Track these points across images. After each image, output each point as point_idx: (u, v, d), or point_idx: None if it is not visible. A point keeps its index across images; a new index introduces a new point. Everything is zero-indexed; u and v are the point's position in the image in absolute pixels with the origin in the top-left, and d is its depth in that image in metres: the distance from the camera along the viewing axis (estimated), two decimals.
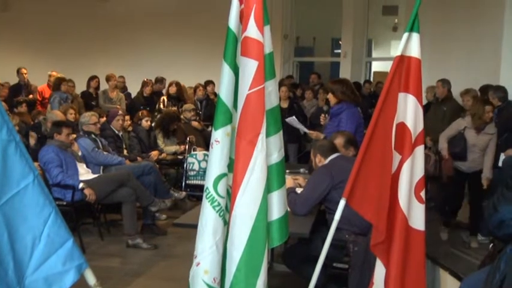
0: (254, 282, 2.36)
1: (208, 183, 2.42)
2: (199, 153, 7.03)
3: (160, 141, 7.26)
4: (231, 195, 2.43)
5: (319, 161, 3.87)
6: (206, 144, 7.15)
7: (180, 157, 7.19)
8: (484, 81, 6.32)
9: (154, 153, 6.90)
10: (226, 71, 2.42)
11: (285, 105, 7.77)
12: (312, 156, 4.01)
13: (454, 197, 5.54)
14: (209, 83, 9.20)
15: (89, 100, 8.62)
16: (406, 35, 2.68)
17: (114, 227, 5.90)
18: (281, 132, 2.56)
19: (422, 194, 2.73)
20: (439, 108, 6.66)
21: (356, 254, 3.48)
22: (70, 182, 5.12)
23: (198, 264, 2.44)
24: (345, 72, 10.72)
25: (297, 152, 8.23)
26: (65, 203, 5.09)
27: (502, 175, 4.97)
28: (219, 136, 2.42)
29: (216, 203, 2.42)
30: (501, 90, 5.81)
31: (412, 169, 2.69)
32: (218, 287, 2.44)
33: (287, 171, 3.87)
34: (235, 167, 2.38)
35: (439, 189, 6.33)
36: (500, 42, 6.69)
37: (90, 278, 2.20)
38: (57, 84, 7.96)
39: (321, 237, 3.07)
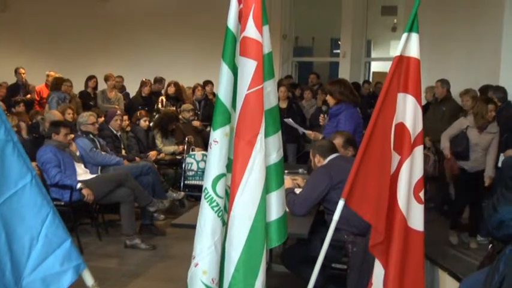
0: (252, 283, 2.36)
1: (207, 183, 2.42)
2: (198, 153, 7.02)
3: (158, 142, 7.24)
4: (229, 195, 2.43)
5: (318, 161, 3.86)
6: (205, 145, 7.14)
7: (178, 157, 7.18)
8: (484, 82, 6.30)
9: (152, 154, 6.88)
10: (225, 71, 2.42)
11: (283, 105, 7.76)
12: (311, 156, 4.01)
13: (460, 197, 5.42)
14: (208, 83, 9.19)
15: (87, 100, 8.60)
16: (405, 35, 2.67)
17: (112, 227, 5.87)
18: (280, 132, 2.56)
19: (422, 194, 2.72)
20: (438, 109, 6.65)
21: (355, 255, 3.47)
22: (68, 182, 5.11)
23: (196, 264, 2.44)
24: (344, 73, 10.72)
25: (295, 152, 8.22)
26: (62, 203, 5.07)
27: (501, 176, 4.96)
28: (218, 136, 2.42)
29: (214, 204, 2.42)
30: (501, 90, 5.80)
31: (411, 169, 2.69)
32: None
33: (286, 171, 3.85)
34: (233, 167, 2.38)
35: (438, 189, 6.33)
36: (499, 43, 6.68)
37: (88, 279, 2.20)
38: (55, 84, 7.94)
39: (320, 237, 3.07)
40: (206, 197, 2.42)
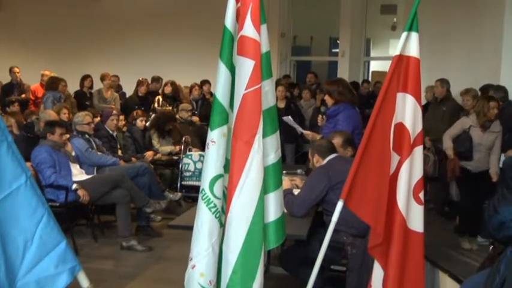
0: (250, 285, 2.34)
1: (204, 184, 2.40)
2: (195, 153, 6.98)
3: (155, 142, 7.20)
4: (227, 196, 2.40)
5: (317, 161, 3.84)
6: (202, 145, 7.11)
7: (175, 158, 7.14)
8: (484, 81, 6.27)
9: (149, 154, 6.84)
10: (223, 70, 2.40)
11: (282, 105, 7.74)
12: (310, 156, 3.98)
13: (466, 201, 5.26)
14: (205, 82, 9.16)
15: (83, 100, 8.56)
16: (404, 34, 2.65)
17: (108, 228, 5.83)
18: (278, 132, 2.54)
19: (421, 195, 2.70)
20: (438, 108, 6.60)
21: (354, 256, 3.45)
22: (63, 182, 5.07)
23: (193, 266, 2.42)
24: (342, 72, 10.69)
25: (294, 153, 8.19)
26: (58, 204, 5.03)
27: (502, 176, 4.93)
28: (215, 136, 2.40)
29: (212, 205, 2.40)
30: (502, 90, 5.78)
31: (410, 170, 2.66)
32: None
33: (284, 172, 3.84)
34: (231, 167, 2.36)
35: (438, 190, 6.29)
36: (500, 42, 6.66)
37: (84, 281, 2.18)
38: (51, 84, 7.89)
39: (319, 239, 3.05)
40: (203, 198, 2.40)
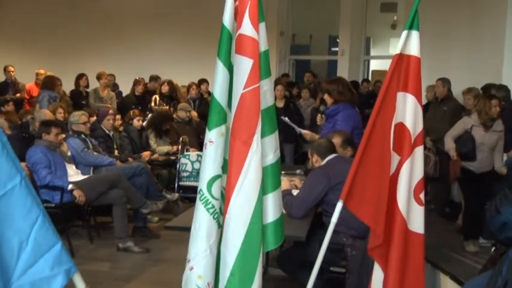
0: (248, 287, 2.30)
1: (202, 184, 2.38)
2: (193, 153, 6.95)
3: (152, 142, 7.16)
4: (225, 197, 2.37)
5: (316, 161, 3.81)
6: (200, 145, 7.07)
7: (172, 158, 7.10)
8: (486, 81, 6.24)
9: (146, 154, 6.80)
10: (221, 69, 2.38)
11: (280, 104, 7.72)
12: (309, 155, 3.95)
13: (471, 203, 5.18)
14: (203, 81, 9.13)
15: (79, 99, 8.51)
16: (405, 32, 2.63)
17: (105, 229, 5.79)
18: (276, 132, 2.52)
19: (422, 196, 2.68)
20: (439, 108, 6.55)
21: (354, 258, 3.43)
22: (59, 183, 5.03)
23: (191, 268, 2.39)
24: (342, 71, 10.67)
25: (293, 153, 8.16)
26: (53, 205, 5.00)
27: (504, 176, 4.90)
28: (213, 136, 2.37)
29: (210, 205, 2.38)
30: (503, 89, 5.75)
31: (411, 170, 2.64)
32: None
33: (283, 172, 3.82)
34: (229, 168, 2.34)
35: (439, 191, 6.27)
36: (502, 41, 6.64)
37: (79, 283, 2.15)
38: (46, 83, 7.83)
39: (318, 240, 3.02)
40: (201, 198, 2.37)
